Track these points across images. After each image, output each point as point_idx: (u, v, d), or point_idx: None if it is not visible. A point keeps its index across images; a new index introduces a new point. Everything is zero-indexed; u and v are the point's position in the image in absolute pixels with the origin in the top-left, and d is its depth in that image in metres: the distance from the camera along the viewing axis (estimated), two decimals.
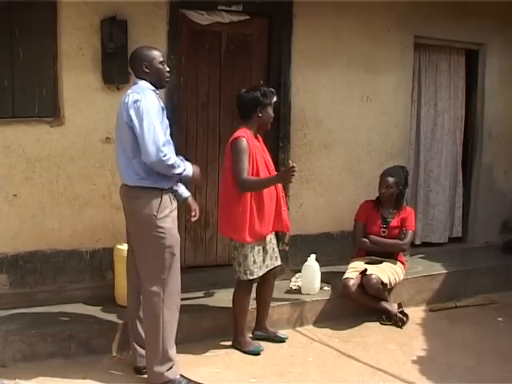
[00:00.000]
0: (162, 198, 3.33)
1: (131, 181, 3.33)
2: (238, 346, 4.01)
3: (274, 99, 3.96)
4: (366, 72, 5.34)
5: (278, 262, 4.09)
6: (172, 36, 4.46)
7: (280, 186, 3.99)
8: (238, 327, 4.00)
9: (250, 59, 4.95)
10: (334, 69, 5.20)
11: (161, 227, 3.31)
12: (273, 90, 4.00)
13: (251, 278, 3.88)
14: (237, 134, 3.85)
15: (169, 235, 3.35)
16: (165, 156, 3.21)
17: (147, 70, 3.39)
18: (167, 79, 3.50)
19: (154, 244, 3.32)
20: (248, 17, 4.81)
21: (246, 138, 3.80)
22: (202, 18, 4.67)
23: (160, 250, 3.32)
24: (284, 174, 3.75)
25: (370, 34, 5.30)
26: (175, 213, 3.45)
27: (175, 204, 3.45)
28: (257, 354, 3.96)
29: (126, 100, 3.30)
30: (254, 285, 4.02)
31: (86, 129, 4.34)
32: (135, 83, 3.44)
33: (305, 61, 5.05)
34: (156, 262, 3.33)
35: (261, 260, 3.91)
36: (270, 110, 3.94)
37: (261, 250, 3.92)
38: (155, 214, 3.30)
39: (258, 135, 4.03)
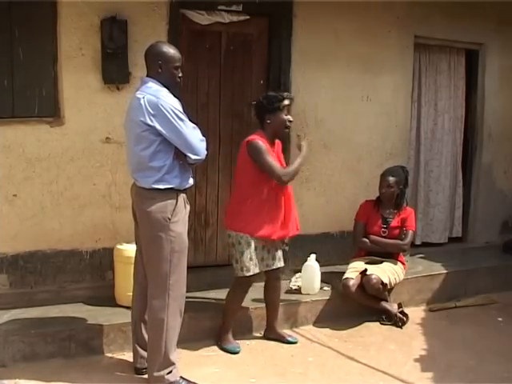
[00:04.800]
0: (177, 199, 3.31)
1: (147, 184, 3.28)
2: (219, 341, 4.04)
3: (285, 103, 3.86)
4: (366, 72, 5.34)
5: (281, 264, 4.09)
6: (172, 36, 4.45)
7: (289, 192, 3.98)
8: (225, 323, 4.02)
9: (250, 59, 4.95)
10: (334, 69, 5.20)
11: (172, 231, 3.29)
12: (284, 94, 3.93)
13: (247, 274, 3.88)
14: (250, 137, 3.88)
15: (179, 240, 3.33)
16: (207, 148, 3.36)
17: (159, 70, 3.31)
18: (177, 84, 3.42)
19: (163, 247, 3.28)
20: (248, 17, 4.81)
21: (259, 139, 3.83)
22: (202, 18, 4.68)
23: (168, 254, 3.29)
24: (305, 151, 3.94)
25: (370, 34, 5.30)
26: (187, 217, 3.43)
27: (188, 207, 3.44)
28: (233, 352, 3.96)
29: (142, 103, 3.20)
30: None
31: (86, 129, 4.34)
32: (144, 82, 3.33)
33: (305, 61, 5.04)
34: (163, 266, 3.30)
35: (259, 258, 3.92)
36: (281, 115, 3.85)
37: (260, 249, 3.92)
38: (169, 217, 3.27)
39: (277, 142, 4.00)
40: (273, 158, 3.83)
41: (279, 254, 4.08)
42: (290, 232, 4.03)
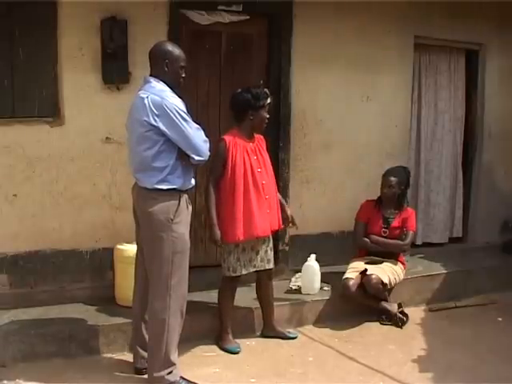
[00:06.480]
0: (179, 200, 3.31)
1: (150, 184, 3.27)
2: (219, 341, 4.04)
3: (268, 101, 3.93)
4: (366, 72, 5.34)
5: (270, 266, 4.07)
6: (172, 36, 4.44)
7: (266, 188, 3.95)
8: (222, 323, 4.03)
9: (250, 59, 4.95)
10: (334, 69, 5.20)
11: (175, 231, 3.28)
12: (267, 91, 3.97)
13: (234, 274, 3.92)
14: (225, 135, 3.92)
15: (181, 240, 3.33)
16: (209, 149, 3.37)
17: (166, 69, 3.31)
18: (180, 84, 3.41)
19: (165, 248, 3.28)
20: (248, 17, 4.81)
21: (227, 141, 3.84)
22: (202, 18, 4.68)
23: (170, 254, 3.29)
24: (210, 237, 3.87)
25: (370, 34, 5.30)
26: (189, 218, 3.43)
27: (190, 208, 3.44)
28: (233, 352, 3.97)
29: (146, 103, 3.19)
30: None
31: (85, 129, 4.34)
32: (147, 82, 3.32)
33: (305, 61, 5.04)
34: (164, 267, 3.29)
35: (246, 259, 3.93)
36: (263, 113, 3.93)
37: (248, 249, 3.93)
38: (171, 217, 3.27)
39: (258, 137, 4.04)
40: (219, 166, 3.83)
41: (269, 255, 4.06)
42: (270, 225, 3.99)
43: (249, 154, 3.90)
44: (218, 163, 3.84)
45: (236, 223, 3.83)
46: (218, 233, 3.82)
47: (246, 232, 3.85)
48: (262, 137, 4.09)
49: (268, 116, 3.99)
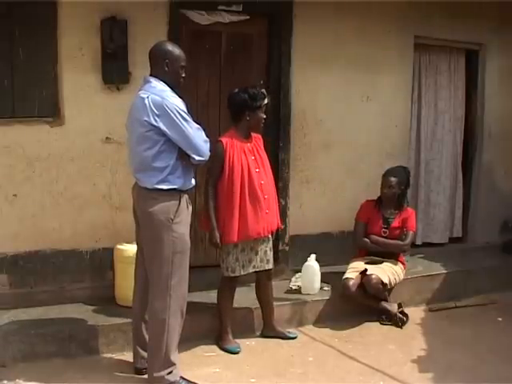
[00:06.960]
0: (180, 200, 3.31)
1: (150, 184, 3.27)
2: (219, 341, 4.04)
3: (265, 101, 3.93)
4: (366, 72, 5.34)
5: (269, 266, 4.07)
6: (172, 36, 4.44)
7: (265, 187, 3.95)
8: (222, 323, 4.03)
9: (250, 59, 4.95)
10: (334, 69, 5.20)
11: (175, 231, 3.29)
12: (264, 91, 3.96)
13: (232, 275, 3.92)
14: (221, 136, 3.93)
15: (181, 240, 3.33)
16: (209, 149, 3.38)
17: (166, 69, 3.31)
18: (180, 84, 3.41)
19: (165, 248, 3.28)
20: (248, 17, 4.81)
21: (224, 142, 3.84)
22: (202, 18, 4.68)
23: (170, 254, 3.29)
24: (210, 240, 3.90)
25: (370, 34, 5.30)
26: (190, 218, 3.44)
27: (191, 208, 3.44)
28: (233, 352, 3.97)
29: (146, 103, 3.19)
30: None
31: (85, 129, 4.34)
32: (147, 82, 3.32)
33: (305, 61, 5.05)
34: (164, 267, 3.29)
35: (246, 259, 3.94)
36: (260, 113, 3.93)
37: (247, 250, 3.93)
38: (172, 217, 3.27)
39: (256, 136, 4.04)
40: (217, 168, 3.83)
41: (269, 255, 4.06)
42: (269, 226, 3.99)
43: (246, 155, 3.90)
44: (216, 165, 3.84)
45: (232, 224, 3.83)
46: (217, 236, 3.83)
47: (240, 233, 3.85)
48: (259, 136, 4.09)
49: (265, 116, 3.99)
